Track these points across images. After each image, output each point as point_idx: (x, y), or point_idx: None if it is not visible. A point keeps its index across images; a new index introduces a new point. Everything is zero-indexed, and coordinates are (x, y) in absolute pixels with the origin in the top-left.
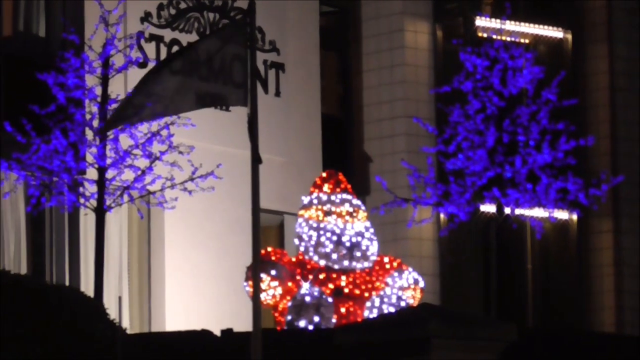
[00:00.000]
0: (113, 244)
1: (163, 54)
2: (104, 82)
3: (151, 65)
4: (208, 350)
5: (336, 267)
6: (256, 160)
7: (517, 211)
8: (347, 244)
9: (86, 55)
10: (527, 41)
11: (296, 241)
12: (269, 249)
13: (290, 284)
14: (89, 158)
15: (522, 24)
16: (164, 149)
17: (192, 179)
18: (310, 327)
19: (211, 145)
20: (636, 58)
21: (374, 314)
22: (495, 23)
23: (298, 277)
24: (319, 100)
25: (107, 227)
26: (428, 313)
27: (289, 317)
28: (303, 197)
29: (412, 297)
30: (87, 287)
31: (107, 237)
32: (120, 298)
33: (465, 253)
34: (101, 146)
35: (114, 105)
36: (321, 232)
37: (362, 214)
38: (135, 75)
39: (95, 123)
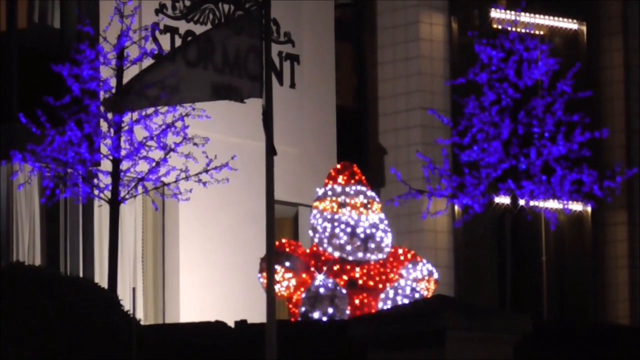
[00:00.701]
0: (127, 236)
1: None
2: (119, 73)
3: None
4: (222, 342)
5: (350, 258)
6: (271, 152)
7: (532, 203)
8: (362, 236)
9: (101, 47)
10: (542, 33)
11: (310, 233)
12: (284, 240)
13: (304, 275)
14: (104, 149)
15: (537, 15)
16: (179, 140)
17: (206, 171)
18: (325, 319)
19: (226, 137)
20: None
21: (388, 305)
22: (510, 15)
23: (312, 269)
24: (333, 92)
25: (121, 218)
26: (442, 305)
27: (303, 309)
28: (317, 189)
29: (426, 289)
30: (101, 278)
31: (121, 229)
32: (134, 289)
33: (479, 245)
34: (116, 138)
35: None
36: (335, 224)
37: (376, 205)
38: None
39: (110, 115)
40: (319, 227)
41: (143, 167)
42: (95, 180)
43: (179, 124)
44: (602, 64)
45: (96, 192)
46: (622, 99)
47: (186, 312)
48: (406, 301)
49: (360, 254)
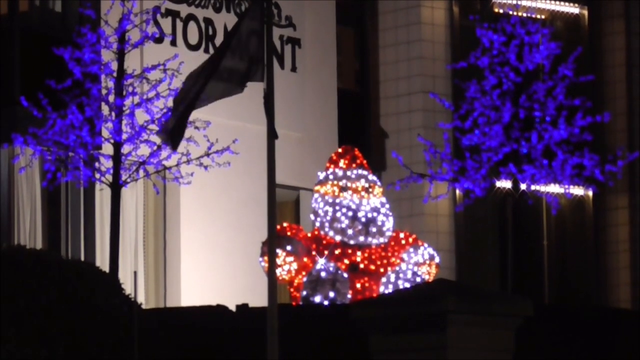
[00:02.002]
0: (129, 219)
1: (179, 29)
2: (120, 57)
3: (167, 40)
4: (223, 326)
5: (352, 242)
6: (272, 135)
7: (533, 187)
8: (363, 220)
9: (102, 30)
10: (543, 17)
11: (312, 217)
12: (285, 224)
13: (305, 259)
14: (105, 133)
15: None
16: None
17: (208, 154)
18: (326, 303)
19: (227, 120)
20: None
21: (390, 289)
22: None
23: (314, 253)
24: (335, 75)
25: (122, 202)
26: (444, 288)
27: (305, 293)
28: (319, 173)
29: (427, 273)
30: (102, 262)
31: (122, 213)
32: (135, 273)
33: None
34: (117, 121)
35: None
36: (337, 208)
37: (377, 189)
38: (151, 50)
39: (111, 98)
40: (320, 211)
41: (144, 150)
42: (97, 164)
43: (179, 108)
44: (604, 47)
45: (97, 175)
46: (623, 82)
47: (187, 296)
48: (407, 285)
49: (361, 238)
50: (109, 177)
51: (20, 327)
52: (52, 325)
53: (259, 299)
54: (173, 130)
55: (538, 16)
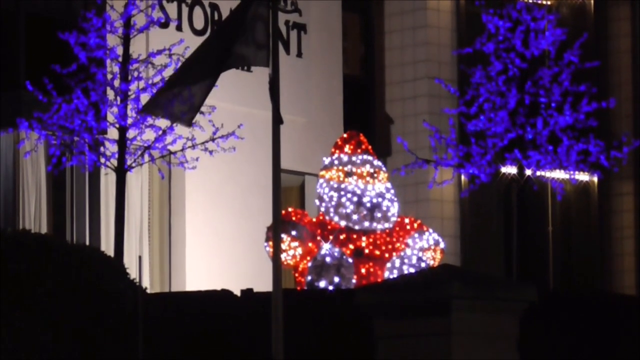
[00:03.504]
0: (134, 204)
1: (185, 14)
2: (126, 41)
3: (172, 25)
4: (228, 310)
5: (357, 227)
6: (277, 120)
7: (538, 173)
8: (368, 205)
9: (108, 15)
10: (549, 3)
11: (317, 202)
12: (290, 209)
13: (310, 244)
14: (110, 118)
15: None
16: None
17: (213, 139)
18: (331, 288)
19: (233, 105)
20: None
21: (394, 274)
22: None
23: (318, 238)
24: (340, 61)
25: (127, 186)
26: (449, 274)
27: (309, 278)
28: (324, 158)
29: (432, 258)
30: (107, 246)
31: (127, 197)
32: (140, 258)
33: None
34: (122, 106)
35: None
36: (342, 193)
37: (383, 175)
38: (157, 35)
39: (117, 83)
40: (325, 196)
41: (149, 135)
42: (102, 149)
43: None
44: (609, 34)
45: (102, 160)
46: (629, 68)
47: (192, 281)
48: (412, 270)
49: (366, 223)
50: (114, 162)
51: (25, 310)
52: (56, 309)
53: (263, 283)
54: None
55: (544, 2)
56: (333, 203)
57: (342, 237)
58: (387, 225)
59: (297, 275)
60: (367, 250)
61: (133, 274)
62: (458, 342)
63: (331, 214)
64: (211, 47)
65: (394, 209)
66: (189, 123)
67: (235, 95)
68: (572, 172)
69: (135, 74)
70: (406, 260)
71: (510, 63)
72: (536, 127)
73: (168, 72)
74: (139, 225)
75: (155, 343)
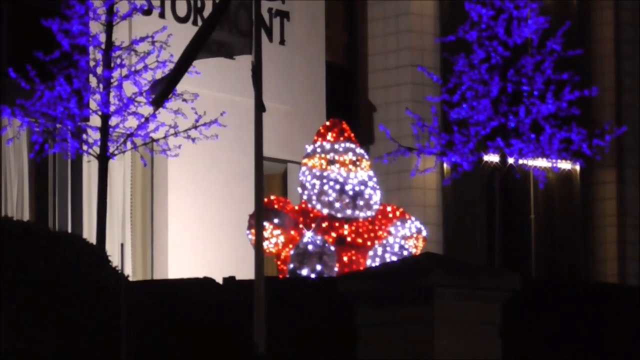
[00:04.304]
0: (116, 192)
1: (168, 2)
2: (109, 29)
3: (155, 12)
4: (210, 298)
5: (339, 215)
6: (260, 108)
7: (521, 161)
8: (350, 193)
9: (91, 2)
10: None
11: (299, 190)
12: (272, 197)
13: (293, 232)
14: (93, 105)
15: None
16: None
17: (195, 127)
18: (313, 276)
19: (215, 93)
20: None
21: (377, 263)
22: None
23: (301, 226)
24: (323, 48)
25: (110, 174)
26: (431, 262)
27: (292, 266)
28: (307, 146)
29: (414, 247)
30: (89, 234)
31: (110, 185)
32: (122, 245)
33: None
34: (105, 93)
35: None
36: (324, 181)
37: (365, 162)
38: (140, 22)
39: (99, 70)
40: (307, 184)
41: (132, 122)
42: (84, 136)
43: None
44: (592, 22)
45: (85, 147)
46: (612, 56)
47: (174, 268)
48: (395, 259)
49: (349, 211)
50: (97, 149)
51: (7, 297)
52: (39, 296)
53: (246, 271)
54: (157, 89)
55: None
56: (315, 191)
57: (324, 225)
58: (369, 213)
59: (279, 263)
60: (349, 238)
61: (115, 261)
62: (441, 330)
63: (314, 202)
64: (198, 35)
65: (377, 197)
66: (158, 103)
67: (218, 83)
68: (554, 161)
69: (118, 61)
70: (388, 249)
71: (493, 51)
72: (519, 115)
73: (151, 60)
74: (121, 213)
75: (137, 330)
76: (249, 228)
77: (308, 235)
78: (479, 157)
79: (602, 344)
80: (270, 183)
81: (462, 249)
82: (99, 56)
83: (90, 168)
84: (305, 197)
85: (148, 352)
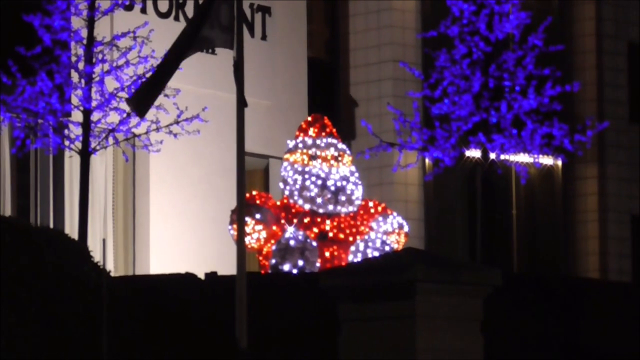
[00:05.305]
0: (98, 187)
1: None
2: (90, 24)
3: (137, 7)
4: (192, 294)
5: (321, 211)
6: (242, 103)
7: (503, 156)
8: (332, 188)
9: None
10: None
11: (281, 185)
12: (254, 192)
13: (274, 227)
14: (75, 100)
15: None
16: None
17: (177, 122)
18: (295, 271)
19: (197, 88)
20: (623, 4)
21: (359, 258)
22: None
23: (283, 221)
24: (305, 44)
25: (92, 169)
26: (413, 257)
27: (274, 261)
28: (288, 141)
29: (396, 242)
30: (71, 229)
31: (91, 180)
32: (104, 241)
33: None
34: (87, 88)
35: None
36: (306, 176)
37: (347, 158)
38: (121, 17)
39: (81, 65)
40: (289, 180)
41: (114, 118)
42: (66, 131)
43: (150, 76)
44: (574, 17)
45: (67, 143)
46: (593, 52)
47: (156, 264)
48: (376, 254)
49: (330, 207)
50: (78, 145)
51: None
52: (21, 291)
53: (228, 267)
54: (140, 98)
55: None
56: (297, 186)
57: (306, 220)
58: (351, 208)
59: (261, 258)
60: (331, 234)
61: (97, 256)
62: (422, 325)
63: (295, 197)
64: (183, 34)
65: (358, 192)
66: (143, 112)
67: (199, 78)
68: (536, 156)
69: (100, 56)
70: (370, 244)
71: (474, 46)
72: (500, 110)
73: (132, 55)
74: (103, 208)
75: (119, 326)
76: (231, 223)
77: (290, 230)
78: (461, 152)
79: (583, 339)
80: (252, 178)
81: (444, 245)
82: (81, 51)
83: (72, 163)
84: (287, 192)
85: (129, 347)
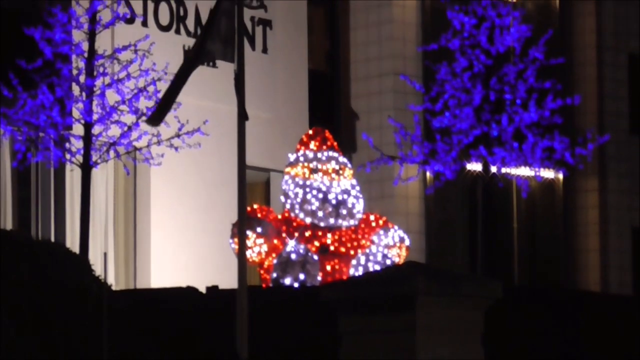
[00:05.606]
0: (99, 200)
1: (150, 10)
2: (91, 37)
3: (138, 21)
4: (193, 307)
5: (322, 224)
6: (242, 116)
7: (504, 170)
8: (333, 202)
9: (73, 11)
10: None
11: (282, 198)
12: (255, 206)
13: (275, 241)
14: (76, 113)
15: None
16: (151, 104)
17: (178, 135)
18: (296, 285)
19: (198, 101)
20: (623, 16)
21: (360, 271)
22: None
23: (284, 235)
24: (306, 56)
25: (93, 183)
26: (414, 270)
27: (275, 275)
28: (289, 154)
29: (397, 255)
30: (72, 242)
31: (93, 193)
32: (105, 254)
33: (451, 211)
34: (88, 102)
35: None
36: (307, 190)
37: (348, 171)
38: (122, 30)
39: (82, 78)
40: (290, 193)
41: (115, 131)
42: (67, 144)
43: (150, 89)
44: (575, 30)
45: (68, 156)
46: (594, 64)
47: (157, 277)
48: (377, 267)
49: (331, 220)
50: (80, 158)
51: None
52: (22, 303)
53: (229, 280)
54: (157, 114)
55: None
56: (298, 200)
57: (307, 233)
58: (352, 222)
59: (262, 272)
60: (332, 247)
61: (98, 270)
62: (423, 338)
63: (296, 211)
64: (190, 50)
65: (360, 206)
66: (157, 122)
67: (200, 91)
68: (537, 169)
69: (101, 69)
70: (371, 257)
71: (475, 59)
72: (501, 123)
73: (133, 68)
74: (104, 221)
75: (119, 339)
76: (232, 237)
77: (291, 244)
78: (462, 165)
79: (583, 352)
80: (253, 192)
81: (445, 257)
82: (82, 64)
83: (73, 177)
84: (288, 205)
85: None
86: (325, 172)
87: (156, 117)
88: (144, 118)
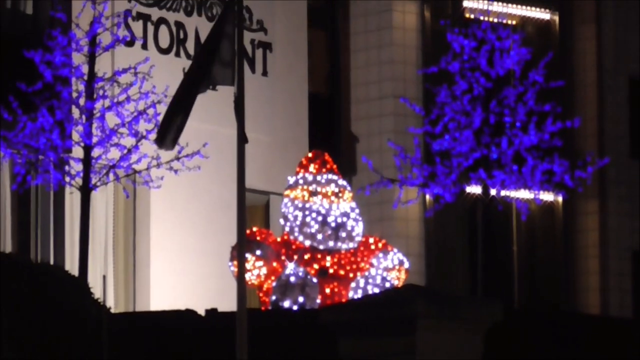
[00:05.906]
0: (98, 223)
1: (150, 33)
2: (91, 60)
3: (138, 43)
4: (193, 330)
5: (321, 247)
6: (242, 139)
7: (503, 192)
8: (333, 225)
9: (73, 33)
10: (514, 22)
11: (281, 221)
12: (255, 228)
13: (275, 264)
14: (75, 136)
15: (510, 5)
16: (151, 127)
17: (178, 158)
18: (295, 308)
19: (197, 123)
20: (623, 39)
21: (359, 294)
22: (482, 4)
23: (283, 257)
24: (306, 79)
25: (92, 205)
26: (413, 293)
27: (274, 297)
28: (289, 177)
29: (396, 278)
30: (72, 265)
31: (92, 216)
32: (104, 277)
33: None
34: (87, 124)
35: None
36: (307, 213)
37: (347, 194)
38: (122, 53)
39: (82, 101)
40: (290, 216)
41: (114, 154)
42: (67, 167)
43: (150, 111)
44: (574, 52)
45: (67, 179)
46: (594, 87)
47: (157, 300)
48: (377, 290)
49: (331, 243)
50: (79, 181)
51: None
52: (21, 326)
53: (228, 303)
54: (164, 134)
55: (509, 22)
56: (298, 222)
57: (306, 256)
58: (351, 244)
59: (261, 294)
60: (331, 270)
61: (97, 293)
62: None
63: (296, 234)
64: (191, 71)
65: (359, 229)
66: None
67: (200, 114)
68: (536, 192)
69: (101, 92)
70: (371, 280)
71: (475, 82)
72: (501, 146)
73: (133, 91)
74: (103, 244)
75: None
76: (232, 260)
77: (290, 267)
78: (461, 188)
79: None
80: (252, 214)
81: (445, 281)
82: (82, 87)
83: (72, 199)
84: (287, 228)
85: None
86: (325, 195)
87: (169, 140)
88: (143, 140)
